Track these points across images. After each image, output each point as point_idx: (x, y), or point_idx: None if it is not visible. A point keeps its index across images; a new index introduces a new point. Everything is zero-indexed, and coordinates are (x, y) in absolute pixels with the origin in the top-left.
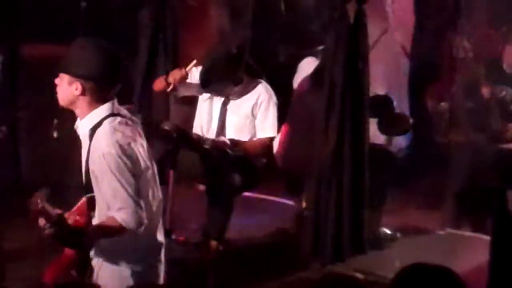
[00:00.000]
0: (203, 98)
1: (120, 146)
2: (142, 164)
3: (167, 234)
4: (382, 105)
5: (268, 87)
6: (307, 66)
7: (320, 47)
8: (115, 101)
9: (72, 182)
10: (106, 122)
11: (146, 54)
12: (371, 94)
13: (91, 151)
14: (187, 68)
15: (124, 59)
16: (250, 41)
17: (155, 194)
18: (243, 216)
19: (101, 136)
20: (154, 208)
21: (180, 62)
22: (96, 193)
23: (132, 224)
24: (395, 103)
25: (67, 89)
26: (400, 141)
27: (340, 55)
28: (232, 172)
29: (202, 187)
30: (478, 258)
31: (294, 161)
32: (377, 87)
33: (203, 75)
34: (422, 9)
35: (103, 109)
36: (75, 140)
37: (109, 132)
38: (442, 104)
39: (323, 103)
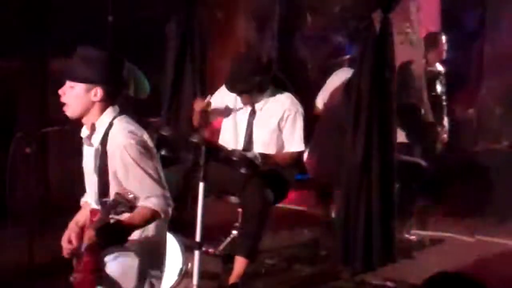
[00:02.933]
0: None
1: (137, 135)
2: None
3: (198, 246)
4: (410, 114)
5: (294, 99)
6: (336, 78)
7: (346, 57)
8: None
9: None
10: (116, 122)
11: (173, 66)
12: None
13: (109, 153)
14: (208, 99)
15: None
16: (277, 52)
17: None
18: (273, 226)
19: (116, 134)
20: None
21: (208, 74)
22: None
23: (164, 206)
24: (422, 111)
25: (83, 97)
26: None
27: (366, 64)
28: (264, 186)
29: (233, 199)
30: (508, 266)
31: (325, 172)
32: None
33: (230, 82)
34: (447, 17)
35: (111, 111)
36: None
37: (122, 128)
38: (470, 111)
39: (351, 113)
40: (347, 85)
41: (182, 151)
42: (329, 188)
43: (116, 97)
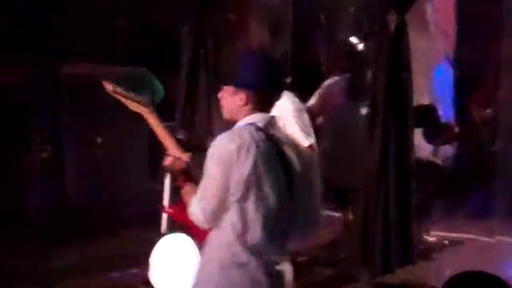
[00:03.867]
0: None
1: (221, 146)
2: None
3: None
4: (427, 115)
5: (294, 98)
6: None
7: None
8: (270, 117)
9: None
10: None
11: (187, 70)
12: (415, 103)
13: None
14: None
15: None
16: (291, 54)
17: None
18: None
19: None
20: None
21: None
22: None
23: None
24: (439, 111)
25: (230, 100)
26: (446, 150)
27: (381, 66)
28: None
29: None
30: None
31: (339, 174)
32: (421, 97)
33: None
34: (463, 17)
35: (249, 119)
36: (119, 159)
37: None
38: (488, 111)
39: (367, 115)
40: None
41: (197, 155)
42: (346, 190)
43: (265, 105)
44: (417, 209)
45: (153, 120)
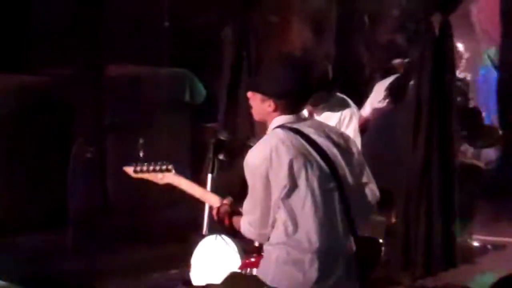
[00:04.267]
0: None
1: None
2: None
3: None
4: (471, 117)
5: (348, 100)
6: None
7: (405, 60)
8: (298, 115)
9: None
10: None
11: (229, 72)
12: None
13: None
14: None
15: (311, 73)
16: (335, 55)
17: None
18: None
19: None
20: None
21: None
22: None
23: None
24: (483, 114)
25: (260, 106)
26: (489, 153)
27: (426, 68)
28: None
29: None
30: None
31: (382, 177)
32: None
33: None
34: (508, 17)
35: (278, 120)
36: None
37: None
38: None
39: (411, 117)
40: (391, 88)
41: (240, 156)
42: (389, 193)
43: (293, 109)
44: (460, 213)
45: (182, 181)
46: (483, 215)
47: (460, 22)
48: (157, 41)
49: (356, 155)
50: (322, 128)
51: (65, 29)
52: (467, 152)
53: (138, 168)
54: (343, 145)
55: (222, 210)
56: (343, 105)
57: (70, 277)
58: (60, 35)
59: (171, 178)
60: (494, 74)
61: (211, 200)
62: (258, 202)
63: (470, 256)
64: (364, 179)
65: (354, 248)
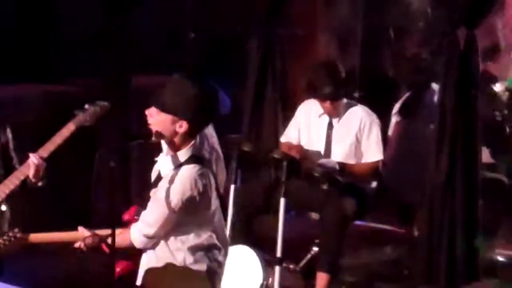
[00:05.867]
0: (307, 128)
1: (186, 194)
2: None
3: (279, 262)
4: (496, 131)
5: (369, 110)
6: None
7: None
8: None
9: None
10: (184, 168)
11: (254, 83)
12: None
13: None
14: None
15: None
16: (360, 68)
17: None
18: (355, 244)
19: (178, 179)
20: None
21: (289, 91)
22: None
23: (136, 236)
24: (507, 129)
25: (168, 126)
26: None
27: (450, 81)
28: (344, 200)
29: (314, 216)
30: None
31: (404, 190)
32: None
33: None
34: None
35: (188, 151)
36: None
37: (184, 178)
38: None
39: (435, 130)
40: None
41: (263, 167)
42: (412, 206)
43: (201, 130)
44: (483, 227)
45: (39, 236)
46: (507, 230)
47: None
48: (183, 52)
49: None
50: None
51: (92, 39)
52: (491, 166)
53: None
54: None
55: (91, 240)
56: (364, 113)
57: (93, 285)
58: (87, 45)
59: (31, 238)
60: None
61: (76, 236)
62: (166, 222)
63: (493, 270)
64: None
65: None
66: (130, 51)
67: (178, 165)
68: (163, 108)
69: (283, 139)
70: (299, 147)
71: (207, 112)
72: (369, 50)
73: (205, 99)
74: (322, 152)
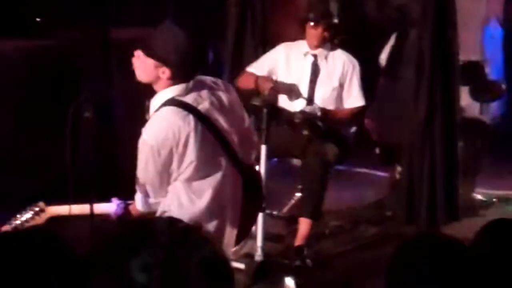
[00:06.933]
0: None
1: (157, 138)
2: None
3: (262, 208)
4: (474, 72)
5: (349, 55)
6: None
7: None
8: (188, 84)
9: None
10: (163, 109)
11: (234, 33)
12: (464, 61)
13: None
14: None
15: (208, 44)
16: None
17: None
18: (337, 189)
19: (150, 122)
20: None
21: (269, 41)
22: None
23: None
24: (487, 69)
25: (152, 70)
26: (494, 109)
27: (428, 23)
28: (325, 145)
29: (295, 162)
30: None
31: (387, 132)
32: (470, 54)
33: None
34: None
35: (171, 91)
36: None
37: (157, 119)
38: None
39: (412, 73)
40: (404, 45)
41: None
42: (393, 148)
43: (188, 78)
44: (463, 167)
45: (61, 209)
46: (487, 170)
47: None
48: (161, 3)
49: (238, 113)
50: (207, 94)
51: None
52: (471, 107)
53: (13, 224)
54: (226, 107)
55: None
56: (345, 58)
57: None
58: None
59: (50, 211)
60: (499, 31)
61: (106, 207)
62: (156, 174)
63: (474, 209)
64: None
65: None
66: (108, 3)
67: (157, 108)
68: (148, 53)
69: (249, 68)
70: (274, 80)
71: (192, 60)
72: None
73: (190, 47)
74: (306, 94)
